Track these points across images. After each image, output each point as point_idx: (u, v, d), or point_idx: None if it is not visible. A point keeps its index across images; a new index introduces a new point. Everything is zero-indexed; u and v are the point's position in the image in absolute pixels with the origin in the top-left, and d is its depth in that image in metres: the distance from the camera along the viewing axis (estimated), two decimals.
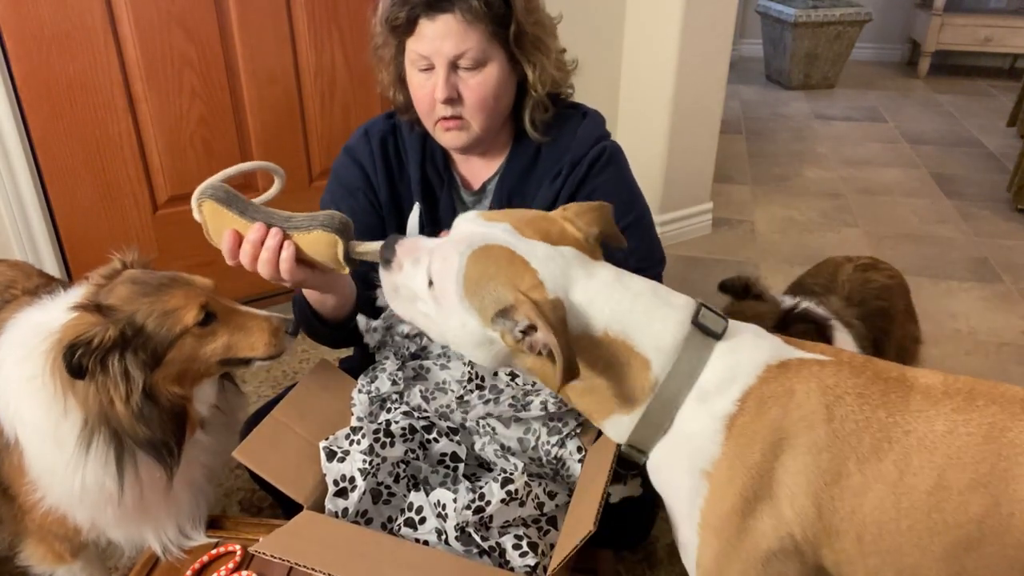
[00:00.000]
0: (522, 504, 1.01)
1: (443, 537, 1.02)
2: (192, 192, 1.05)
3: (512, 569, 0.98)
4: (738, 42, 5.80)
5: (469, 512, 0.98)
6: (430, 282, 0.86)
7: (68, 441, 0.98)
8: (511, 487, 0.99)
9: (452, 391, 1.17)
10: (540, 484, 1.04)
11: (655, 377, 0.82)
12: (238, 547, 1.10)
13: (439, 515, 1.03)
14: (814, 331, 1.39)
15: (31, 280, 1.25)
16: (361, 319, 1.21)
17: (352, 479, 1.05)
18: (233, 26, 2.09)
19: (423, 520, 1.04)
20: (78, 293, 1.06)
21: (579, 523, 0.89)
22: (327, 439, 1.09)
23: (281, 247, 1.02)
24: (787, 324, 1.38)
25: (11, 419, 1.02)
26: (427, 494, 1.05)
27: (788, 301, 1.48)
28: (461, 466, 1.12)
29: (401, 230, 1.34)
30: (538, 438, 1.12)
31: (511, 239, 0.84)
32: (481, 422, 1.14)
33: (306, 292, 1.20)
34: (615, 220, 0.94)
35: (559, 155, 1.30)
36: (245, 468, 1.07)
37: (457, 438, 1.13)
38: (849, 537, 0.78)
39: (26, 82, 1.90)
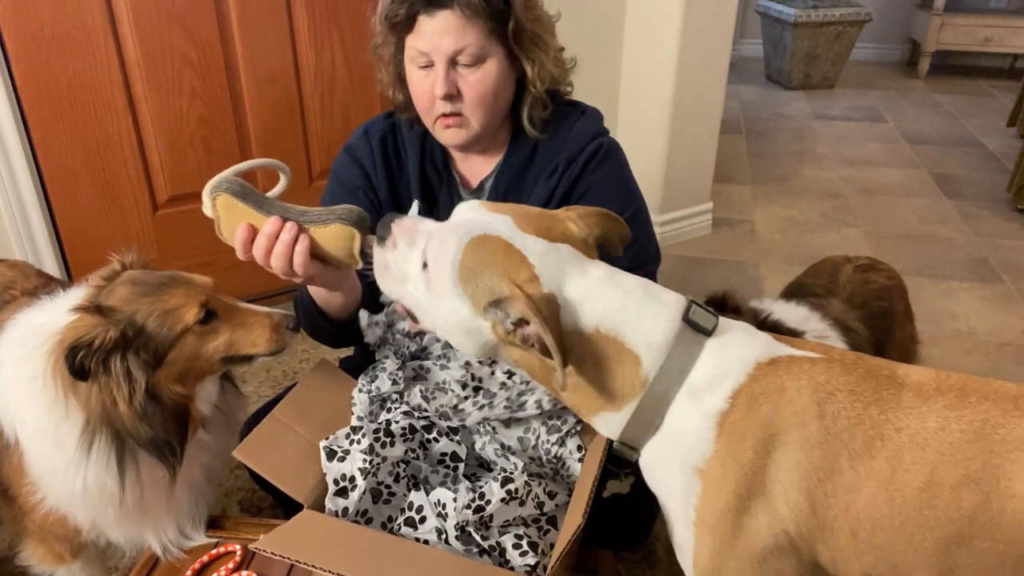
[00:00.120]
0: (522, 504, 1.01)
1: (443, 536, 1.02)
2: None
3: (512, 568, 0.98)
4: (738, 42, 5.80)
5: (469, 511, 0.98)
6: (424, 264, 0.87)
7: (69, 442, 0.98)
8: (511, 486, 0.99)
9: (452, 391, 1.17)
10: (540, 484, 1.04)
11: (646, 374, 0.82)
12: (238, 547, 1.10)
13: (439, 514, 1.03)
14: None
15: (30, 280, 1.25)
16: (363, 315, 1.21)
17: (352, 478, 1.05)
18: (233, 26, 2.09)
19: (423, 519, 1.04)
20: (77, 294, 1.05)
21: (571, 519, 0.90)
22: (327, 439, 1.09)
23: (296, 241, 1.03)
24: None
25: (11, 420, 1.02)
26: (427, 493, 1.05)
27: (763, 308, 1.47)
28: (461, 465, 1.12)
29: None
30: (538, 437, 1.12)
31: (510, 232, 0.85)
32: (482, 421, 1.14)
33: (313, 290, 1.20)
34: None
35: (555, 152, 1.30)
36: (245, 468, 1.07)
37: (457, 438, 1.13)
38: (843, 533, 0.78)
39: (26, 82, 1.90)
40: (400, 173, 1.36)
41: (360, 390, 1.18)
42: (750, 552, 0.80)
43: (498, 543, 0.99)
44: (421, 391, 1.16)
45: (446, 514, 1.01)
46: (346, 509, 1.04)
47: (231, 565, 1.07)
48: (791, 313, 1.46)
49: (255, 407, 1.43)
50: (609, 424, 0.86)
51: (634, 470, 0.91)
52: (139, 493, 1.04)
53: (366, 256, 1.02)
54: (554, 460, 1.11)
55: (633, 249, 1.04)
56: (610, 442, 0.90)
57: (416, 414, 1.14)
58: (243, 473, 1.69)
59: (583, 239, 0.88)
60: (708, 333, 0.83)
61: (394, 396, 1.17)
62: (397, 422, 1.11)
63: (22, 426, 1.01)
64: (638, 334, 0.82)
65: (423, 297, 0.89)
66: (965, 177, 3.74)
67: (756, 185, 3.65)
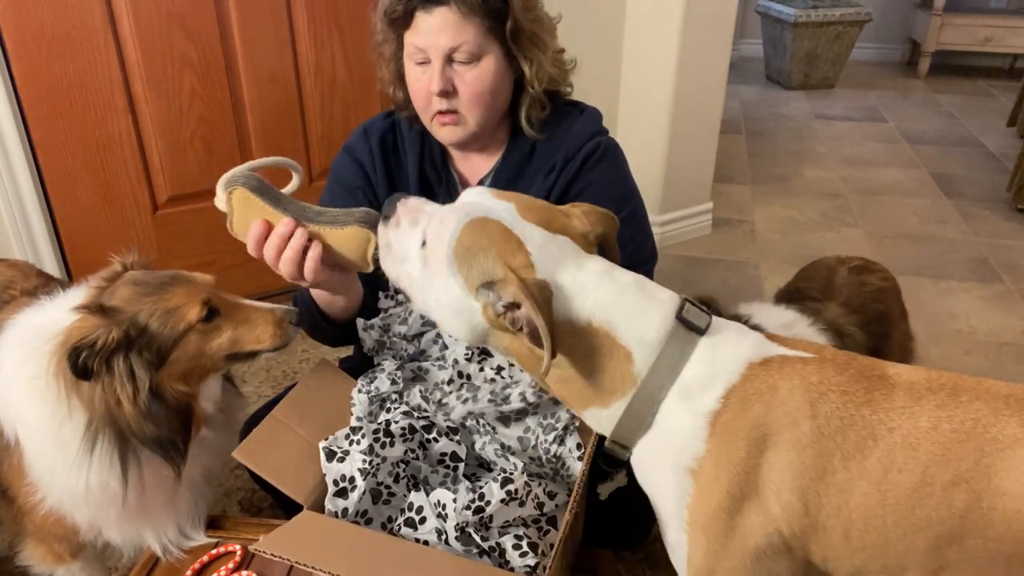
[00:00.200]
0: (522, 504, 1.01)
1: (443, 537, 1.02)
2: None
3: (512, 569, 0.98)
4: (738, 42, 5.80)
5: (469, 512, 0.98)
6: (424, 243, 0.88)
7: (72, 442, 0.98)
8: (511, 487, 0.99)
9: (442, 389, 1.17)
10: (540, 484, 1.04)
11: (637, 371, 0.82)
12: (238, 547, 1.10)
13: (439, 515, 1.03)
14: None
15: (29, 280, 1.25)
16: (359, 321, 1.21)
17: (352, 479, 1.05)
18: (233, 26, 2.09)
19: (423, 520, 1.04)
20: (77, 295, 1.06)
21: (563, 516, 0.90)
22: (327, 439, 1.09)
23: (307, 248, 1.03)
24: None
25: (12, 421, 1.02)
26: (427, 494, 1.05)
27: (744, 312, 1.46)
28: (461, 466, 1.12)
29: None
30: (537, 437, 1.12)
31: (511, 218, 0.85)
32: (481, 421, 1.14)
33: (315, 293, 1.20)
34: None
35: (554, 150, 1.30)
36: (245, 468, 1.07)
37: (457, 438, 1.13)
38: (836, 533, 0.78)
39: (26, 82, 1.90)
40: (399, 172, 1.36)
41: (360, 390, 1.18)
42: (743, 552, 0.80)
43: (498, 544, 0.99)
44: (420, 391, 1.16)
45: (446, 515, 1.01)
46: (346, 510, 1.04)
47: (231, 565, 1.07)
48: (774, 317, 1.45)
49: (255, 407, 1.43)
50: (599, 420, 0.87)
51: (628, 469, 0.91)
52: (141, 492, 1.04)
53: (379, 261, 1.02)
54: (554, 460, 1.11)
55: (629, 248, 1.04)
56: (601, 440, 0.90)
57: (416, 414, 1.14)
58: (243, 473, 1.69)
59: (584, 235, 0.89)
60: (701, 332, 0.83)
61: (393, 396, 1.17)
62: (397, 422, 1.11)
63: (23, 426, 1.01)
64: (631, 330, 0.82)
65: (419, 275, 0.89)
66: (965, 177, 3.74)
67: (756, 185, 3.65)
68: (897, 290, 1.72)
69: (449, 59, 1.19)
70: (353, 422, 1.15)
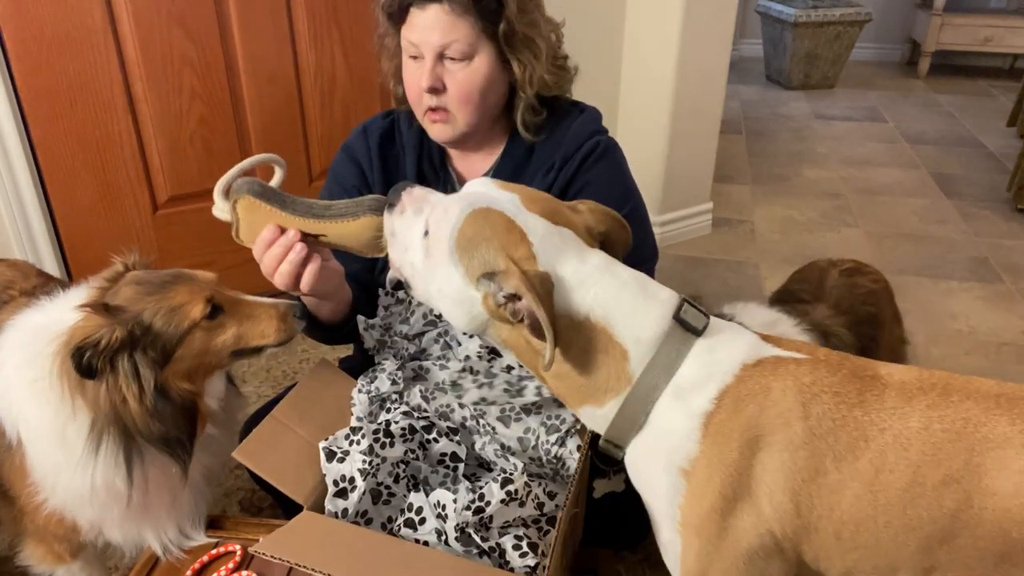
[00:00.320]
0: (522, 504, 1.01)
1: (443, 538, 1.02)
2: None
3: (512, 570, 0.98)
4: (738, 42, 5.80)
5: (469, 512, 0.98)
6: (426, 232, 0.88)
7: (76, 442, 0.98)
8: (511, 487, 0.99)
9: (450, 388, 1.17)
10: (540, 484, 1.04)
11: (632, 370, 0.82)
12: (238, 547, 1.10)
13: (439, 515, 1.03)
14: None
15: (29, 281, 1.25)
16: (360, 319, 1.21)
17: (352, 479, 1.05)
18: (233, 26, 2.09)
19: (423, 520, 1.04)
20: (77, 295, 1.05)
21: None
22: (327, 439, 1.09)
23: (307, 260, 1.03)
24: None
25: (14, 421, 1.02)
26: (427, 494, 1.06)
27: (727, 312, 1.46)
28: (461, 466, 1.12)
29: None
30: (538, 438, 1.12)
31: (514, 209, 0.85)
32: (481, 421, 1.14)
33: (303, 297, 1.20)
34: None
35: (553, 150, 1.31)
36: (245, 468, 1.07)
37: (457, 438, 1.13)
38: (827, 534, 0.79)
39: (26, 82, 1.90)
40: (397, 171, 1.36)
41: (360, 390, 1.18)
42: (736, 553, 0.80)
43: (498, 544, 0.99)
44: (421, 391, 1.16)
45: (446, 515, 1.01)
46: (346, 510, 1.04)
47: (231, 565, 1.07)
48: (756, 317, 1.45)
49: (255, 407, 1.43)
50: (594, 418, 0.87)
51: (623, 468, 0.91)
52: (144, 492, 1.04)
53: None
54: (554, 460, 1.11)
55: (629, 246, 1.04)
56: (595, 438, 0.90)
57: (416, 414, 1.14)
58: (243, 473, 1.69)
59: (587, 229, 0.89)
60: (698, 333, 0.83)
61: (394, 396, 1.17)
62: (397, 422, 1.11)
63: (26, 427, 1.01)
64: (628, 327, 0.82)
65: (421, 264, 0.89)
66: (965, 177, 3.74)
67: (756, 185, 3.65)
68: (889, 292, 1.72)
69: (441, 56, 1.19)
70: (353, 422, 1.15)
